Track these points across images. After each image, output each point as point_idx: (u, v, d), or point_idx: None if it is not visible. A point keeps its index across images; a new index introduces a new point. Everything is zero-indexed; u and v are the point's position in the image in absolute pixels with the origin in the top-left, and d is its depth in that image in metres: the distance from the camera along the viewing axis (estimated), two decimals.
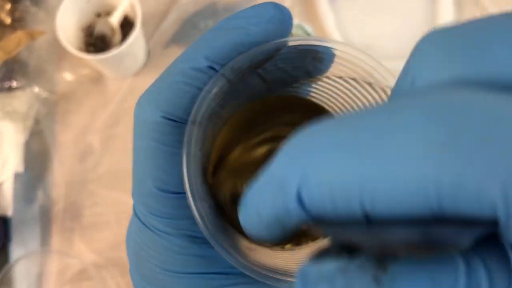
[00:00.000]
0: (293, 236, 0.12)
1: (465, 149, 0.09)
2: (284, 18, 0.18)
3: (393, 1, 0.61)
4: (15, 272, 0.54)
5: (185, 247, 0.18)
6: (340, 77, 0.20)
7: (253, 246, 0.21)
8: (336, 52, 0.18)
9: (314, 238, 0.22)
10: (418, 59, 0.12)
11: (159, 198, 0.18)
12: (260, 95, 0.21)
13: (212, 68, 0.17)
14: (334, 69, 0.20)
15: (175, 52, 0.61)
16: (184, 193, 0.17)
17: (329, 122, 0.11)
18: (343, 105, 0.22)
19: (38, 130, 0.59)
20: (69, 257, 0.55)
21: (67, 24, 0.54)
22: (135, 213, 0.19)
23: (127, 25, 0.57)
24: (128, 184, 0.58)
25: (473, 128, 0.09)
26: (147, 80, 0.65)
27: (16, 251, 0.56)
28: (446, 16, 0.59)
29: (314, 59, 0.19)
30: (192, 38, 0.61)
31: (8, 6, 0.59)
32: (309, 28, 0.56)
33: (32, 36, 0.56)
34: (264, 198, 0.12)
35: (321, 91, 0.22)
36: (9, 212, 0.55)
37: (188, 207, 0.17)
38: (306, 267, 0.11)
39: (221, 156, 0.23)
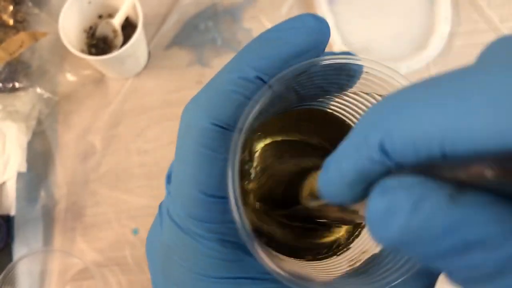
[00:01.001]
0: (365, 196, 0.13)
1: None
2: (322, 28, 0.19)
3: (392, 3, 0.62)
4: (18, 271, 0.54)
5: (220, 251, 0.18)
6: (366, 93, 0.21)
7: (281, 256, 0.22)
8: (365, 69, 0.19)
9: (339, 252, 0.23)
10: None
11: (201, 202, 0.18)
12: (289, 108, 0.22)
13: (259, 78, 0.18)
14: (360, 85, 0.20)
15: (176, 53, 0.62)
16: (224, 197, 0.18)
17: (408, 86, 0.13)
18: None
19: (40, 130, 0.60)
20: (71, 256, 0.56)
21: (69, 25, 0.55)
22: (170, 217, 0.19)
23: (128, 26, 0.57)
24: (130, 184, 0.59)
25: None
26: (148, 81, 0.65)
27: (18, 250, 0.56)
28: (445, 17, 0.59)
29: (348, 75, 0.20)
30: (193, 39, 0.62)
31: (10, 7, 0.59)
32: None
33: (34, 37, 0.56)
34: (348, 155, 0.14)
35: (344, 105, 0.23)
36: (12, 211, 0.56)
37: (224, 211, 0.18)
38: (387, 179, 0.12)
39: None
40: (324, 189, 0.15)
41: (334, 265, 0.22)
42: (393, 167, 0.12)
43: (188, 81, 0.60)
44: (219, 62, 0.61)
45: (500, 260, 0.10)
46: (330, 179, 0.14)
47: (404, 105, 0.12)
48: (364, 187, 0.13)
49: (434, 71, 0.59)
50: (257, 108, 0.18)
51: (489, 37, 0.13)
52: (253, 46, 0.19)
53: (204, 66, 0.61)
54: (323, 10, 0.60)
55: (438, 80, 0.12)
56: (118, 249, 0.57)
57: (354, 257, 0.22)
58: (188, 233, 0.19)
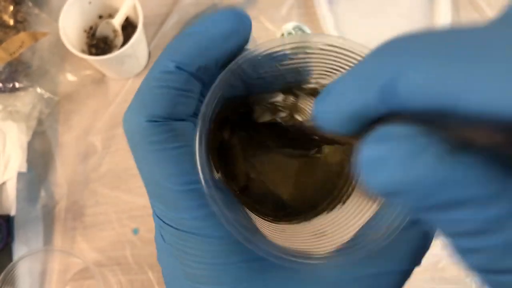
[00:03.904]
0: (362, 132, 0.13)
1: None
2: (239, 17, 0.19)
3: (392, 3, 0.62)
4: (18, 271, 0.54)
5: (225, 237, 0.18)
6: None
7: (265, 223, 0.22)
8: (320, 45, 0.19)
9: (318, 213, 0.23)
10: None
11: (182, 194, 0.18)
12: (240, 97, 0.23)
13: (179, 68, 0.19)
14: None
15: None
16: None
17: (425, 32, 0.12)
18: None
19: (40, 131, 0.60)
20: (71, 256, 0.56)
21: (69, 25, 0.55)
22: (164, 221, 0.19)
23: (128, 27, 0.58)
24: (130, 184, 0.59)
25: None
26: None
27: (19, 250, 0.56)
28: (444, 16, 0.59)
29: (295, 73, 0.20)
30: None
31: (11, 7, 0.59)
32: (307, 30, 0.57)
33: (34, 38, 0.56)
34: (348, 90, 0.13)
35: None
36: (13, 211, 0.56)
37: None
38: (386, 124, 0.12)
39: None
40: (319, 118, 0.14)
41: (313, 229, 0.22)
42: (397, 111, 0.12)
43: None
44: None
45: (487, 219, 0.11)
46: (327, 109, 0.14)
47: (425, 49, 0.11)
48: (362, 125, 0.13)
49: None
50: (215, 94, 0.18)
51: None
52: (172, 43, 0.19)
53: None
54: (323, 10, 0.60)
55: (469, 32, 0.11)
56: (118, 248, 0.57)
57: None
58: (186, 230, 0.19)
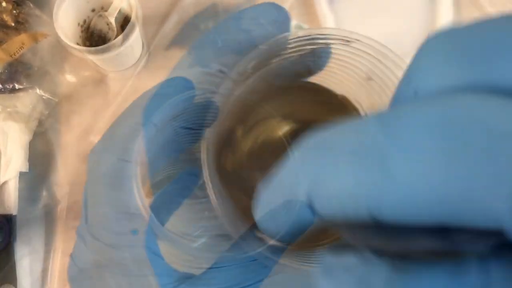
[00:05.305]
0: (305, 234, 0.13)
1: (471, 163, 0.09)
2: (284, 19, 0.18)
3: (393, 2, 0.61)
4: (19, 270, 0.55)
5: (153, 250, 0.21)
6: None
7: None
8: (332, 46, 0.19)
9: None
10: (420, 67, 0.12)
11: (119, 218, 0.21)
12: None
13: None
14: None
15: (176, 54, 0.61)
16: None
17: (335, 131, 0.11)
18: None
19: (41, 131, 0.60)
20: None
21: (64, 19, 0.54)
22: (97, 239, 0.22)
23: (126, 23, 0.57)
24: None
25: (478, 141, 0.09)
26: (149, 82, 0.65)
27: (20, 249, 0.56)
28: (446, 16, 0.59)
29: (314, 56, 0.20)
30: (193, 40, 0.62)
31: (11, 8, 0.59)
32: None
33: (35, 39, 0.56)
34: (277, 203, 0.13)
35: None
36: (14, 211, 0.56)
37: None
38: (328, 258, 0.12)
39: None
40: (261, 227, 0.15)
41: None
42: (326, 221, 0.12)
43: None
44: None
45: None
46: (265, 221, 0.14)
47: (326, 160, 0.11)
48: (302, 231, 0.13)
49: None
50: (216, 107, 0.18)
51: None
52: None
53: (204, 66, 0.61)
54: (323, 9, 0.60)
55: (359, 130, 0.11)
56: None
57: None
58: (116, 247, 0.21)
